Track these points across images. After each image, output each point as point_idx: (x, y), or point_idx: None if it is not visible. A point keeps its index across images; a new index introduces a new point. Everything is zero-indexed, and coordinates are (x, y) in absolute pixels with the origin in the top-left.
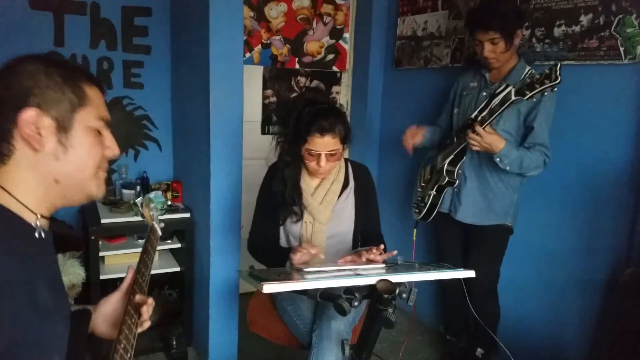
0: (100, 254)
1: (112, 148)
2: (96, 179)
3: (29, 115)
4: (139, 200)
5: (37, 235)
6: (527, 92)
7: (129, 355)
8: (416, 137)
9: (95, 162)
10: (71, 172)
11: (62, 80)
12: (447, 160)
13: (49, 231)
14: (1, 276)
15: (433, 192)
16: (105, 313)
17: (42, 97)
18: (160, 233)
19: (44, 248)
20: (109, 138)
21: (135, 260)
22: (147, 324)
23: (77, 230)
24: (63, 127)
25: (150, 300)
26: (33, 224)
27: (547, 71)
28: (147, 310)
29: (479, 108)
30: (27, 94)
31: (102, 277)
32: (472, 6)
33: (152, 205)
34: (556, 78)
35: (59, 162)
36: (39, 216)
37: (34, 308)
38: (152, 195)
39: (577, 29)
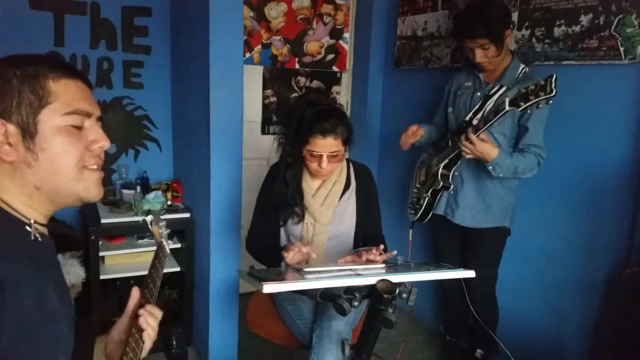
0: (100, 254)
1: (98, 140)
2: (81, 179)
3: None
4: (148, 217)
5: (32, 238)
6: (522, 104)
7: None
8: (415, 135)
9: (72, 162)
10: (47, 176)
11: (19, 82)
12: (442, 165)
13: (49, 237)
14: (3, 276)
15: (428, 195)
16: (116, 340)
17: (2, 104)
18: (168, 251)
19: (46, 251)
20: (93, 130)
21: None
22: (153, 334)
23: (77, 230)
24: (28, 132)
25: (157, 313)
26: (28, 229)
27: (542, 82)
28: (150, 325)
29: (474, 110)
30: None
31: (102, 277)
32: (457, 14)
33: (161, 223)
34: (551, 91)
35: (33, 168)
36: (32, 221)
37: (40, 308)
38: (151, 195)
39: (577, 29)
